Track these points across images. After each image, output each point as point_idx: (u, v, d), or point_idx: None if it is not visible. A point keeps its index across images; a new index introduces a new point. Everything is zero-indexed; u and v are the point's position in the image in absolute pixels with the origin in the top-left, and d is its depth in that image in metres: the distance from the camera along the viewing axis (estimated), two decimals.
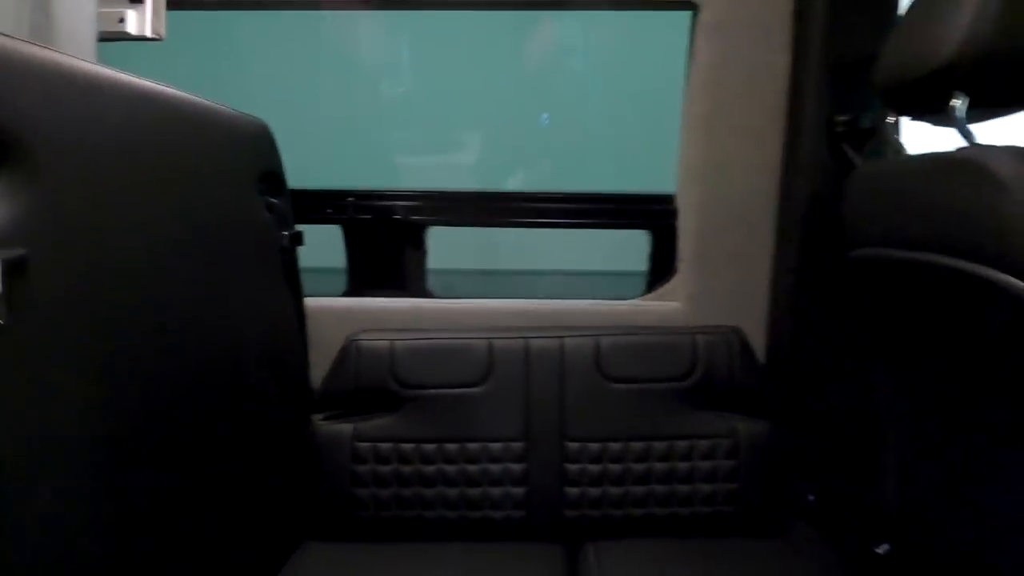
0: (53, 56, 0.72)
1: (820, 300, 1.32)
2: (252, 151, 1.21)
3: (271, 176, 1.25)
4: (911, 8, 0.97)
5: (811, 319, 1.34)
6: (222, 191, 1.06)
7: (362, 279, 1.53)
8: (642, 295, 1.50)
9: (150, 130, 0.87)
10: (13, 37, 0.66)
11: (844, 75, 1.27)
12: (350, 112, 2.52)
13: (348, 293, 1.54)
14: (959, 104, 0.84)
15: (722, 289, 1.40)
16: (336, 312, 1.43)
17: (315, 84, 2.52)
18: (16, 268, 0.63)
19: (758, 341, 1.38)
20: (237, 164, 1.13)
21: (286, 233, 1.27)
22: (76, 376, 0.71)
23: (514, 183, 2.52)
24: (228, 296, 1.06)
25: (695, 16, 1.34)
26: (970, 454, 0.92)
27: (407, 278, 1.53)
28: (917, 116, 1.01)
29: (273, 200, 1.24)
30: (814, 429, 1.34)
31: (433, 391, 1.29)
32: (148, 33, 1.28)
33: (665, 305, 1.44)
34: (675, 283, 1.45)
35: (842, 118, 1.27)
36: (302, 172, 1.35)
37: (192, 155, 0.97)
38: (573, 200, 1.53)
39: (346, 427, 1.29)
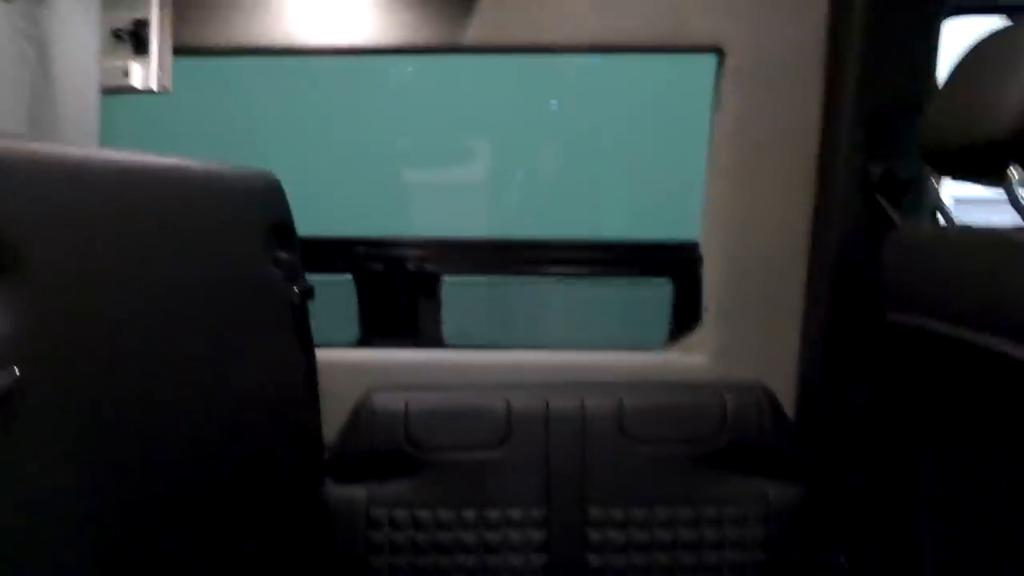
0: (41, 150, 0.68)
1: (852, 358, 1.26)
2: (259, 206, 1.17)
3: (280, 228, 1.20)
4: (961, 66, 0.91)
5: (842, 377, 1.28)
6: (228, 252, 1.03)
7: (375, 329, 1.48)
8: (664, 345, 1.44)
9: (151, 207, 0.83)
10: None
11: (879, 124, 1.21)
12: (359, 155, 2.49)
13: (360, 343, 1.49)
14: (1016, 177, 0.78)
15: (749, 342, 1.35)
16: (348, 364, 1.38)
17: (319, 125, 2.50)
18: (12, 388, 0.59)
19: (786, 397, 1.33)
20: (243, 223, 1.09)
21: (296, 288, 1.23)
22: (75, 450, 0.68)
23: (532, 228, 2.49)
24: (236, 359, 1.02)
25: (721, 61, 1.28)
26: (1010, 534, 0.87)
27: (421, 328, 1.48)
28: (963, 179, 0.96)
29: (282, 254, 1.20)
30: (847, 492, 1.28)
31: (450, 454, 1.24)
32: (153, 86, 1.23)
33: (690, 358, 1.38)
34: (700, 334, 1.39)
35: (877, 169, 1.21)
36: (310, 216, 1.31)
37: (196, 222, 0.93)
38: (592, 248, 1.48)
39: (360, 491, 1.24)
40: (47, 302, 0.64)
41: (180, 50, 1.27)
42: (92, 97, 1.14)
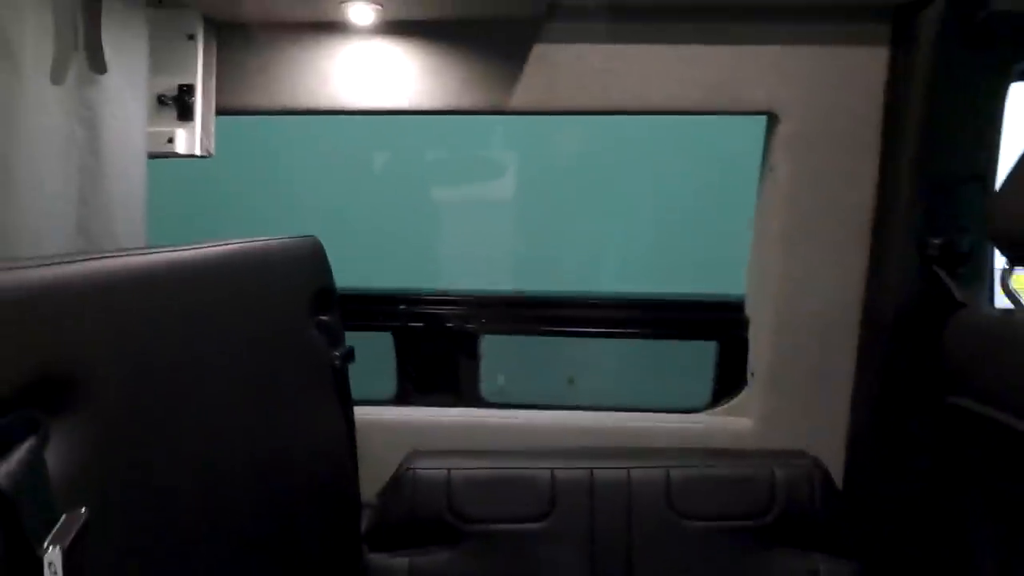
0: (93, 265, 0.66)
1: (906, 432, 1.23)
2: (304, 274, 1.16)
3: (323, 293, 1.20)
4: None
5: (895, 450, 1.24)
6: (275, 324, 1.03)
7: (414, 387, 1.47)
8: (709, 406, 1.41)
9: (205, 300, 0.82)
10: (52, 261, 0.60)
11: (939, 194, 1.17)
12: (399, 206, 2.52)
13: (399, 400, 1.47)
14: None
15: (797, 408, 1.31)
16: (386, 425, 1.37)
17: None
18: (82, 529, 0.57)
19: (834, 467, 1.29)
20: (289, 293, 1.09)
21: (337, 352, 1.22)
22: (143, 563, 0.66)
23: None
24: (279, 430, 1.01)
25: (773, 125, 1.25)
26: None
27: (461, 387, 1.46)
28: None
29: (324, 318, 1.19)
30: (900, 569, 1.25)
31: (493, 526, 1.22)
32: (197, 151, 1.23)
33: (736, 422, 1.35)
34: (746, 397, 1.36)
35: (936, 240, 1.17)
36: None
37: (246, 302, 0.93)
38: (634, 306, 1.45)
39: (401, 561, 1.23)
40: (113, 432, 0.63)
41: (222, 111, 1.27)
42: (139, 167, 1.13)
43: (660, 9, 1.18)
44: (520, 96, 1.24)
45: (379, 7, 1.14)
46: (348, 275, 1.28)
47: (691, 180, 2.34)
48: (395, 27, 1.24)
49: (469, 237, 2.61)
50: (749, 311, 1.37)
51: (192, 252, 0.82)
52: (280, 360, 1.03)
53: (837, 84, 1.20)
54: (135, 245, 1.14)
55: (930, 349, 1.18)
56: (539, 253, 2.57)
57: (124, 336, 0.67)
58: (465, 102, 1.25)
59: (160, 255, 0.77)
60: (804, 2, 1.14)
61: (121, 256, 0.71)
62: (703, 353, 1.46)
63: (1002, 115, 1.16)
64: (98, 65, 0.95)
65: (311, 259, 1.20)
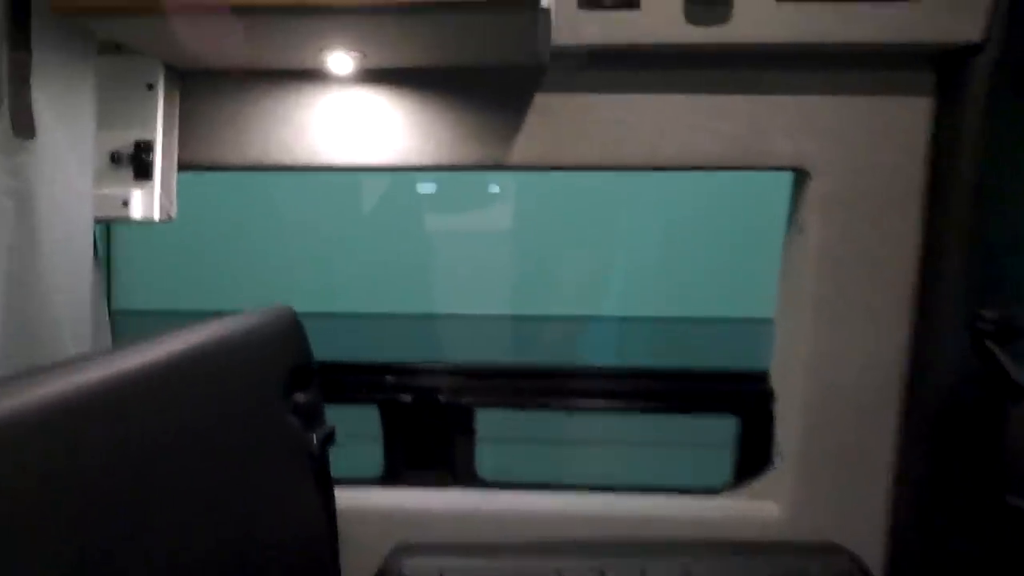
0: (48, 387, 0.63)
1: (957, 530, 1.09)
2: (277, 352, 1.03)
3: (299, 370, 1.06)
4: None
5: (943, 550, 1.10)
6: (245, 411, 0.93)
7: (402, 465, 1.32)
8: (730, 486, 1.27)
9: (166, 399, 0.77)
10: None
11: (992, 261, 1.04)
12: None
13: (385, 480, 1.33)
14: None
15: (830, 495, 1.17)
16: (373, 509, 1.22)
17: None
18: None
19: (873, 563, 1.15)
20: (260, 376, 0.98)
21: (315, 435, 1.08)
22: None
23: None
24: (248, 524, 0.91)
25: (803, 182, 1.12)
26: None
27: (455, 465, 1.32)
28: None
29: (301, 397, 1.05)
30: None
31: None
32: (156, 215, 1.09)
33: (761, 507, 1.21)
34: (772, 480, 1.22)
35: (990, 314, 1.04)
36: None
37: (214, 390, 0.86)
38: (647, 376, 1.31)
39: None
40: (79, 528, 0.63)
41: (186, 167, 1.13)
42: (85, 237, 1.00)
43: (676, 56, 1.05)
44: (520, 151, 1.11)
45: (360, 55, 1.01)
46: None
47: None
48: (379, 75, 1.10)
49: (475, 260, 2.57)
50: (775, 384, 1.24)
51: (155, 350, 0.78)
52: (251, 449, 0.93)
53: (875, 138, 1.07)
54: (82, 327, 1.01)
55: (984, 437, 1.05)
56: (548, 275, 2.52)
57: (85, 450, 0.65)
58: (459, 157, 1.11)
59: (118, 362, 0.72)
60: (837, 48, 1.01)
61: (80, 368, 0.68)
62: (720, 429, 1.33)
63: None
64: (25, 129, 0.82)
65: (285, 333, 1.06)
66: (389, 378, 1.30)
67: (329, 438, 1.11)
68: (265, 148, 1.13)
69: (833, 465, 1.17)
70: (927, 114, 1.06)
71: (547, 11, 0.84)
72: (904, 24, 0.97)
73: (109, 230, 2.63)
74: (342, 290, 2.71)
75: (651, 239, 2.61)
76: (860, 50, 1.02)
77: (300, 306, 1.07)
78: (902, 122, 1.07)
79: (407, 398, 1.30)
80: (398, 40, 0.96)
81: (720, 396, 1.30)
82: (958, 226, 1.04)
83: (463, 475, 1.32)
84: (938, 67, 1.05)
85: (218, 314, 0.95)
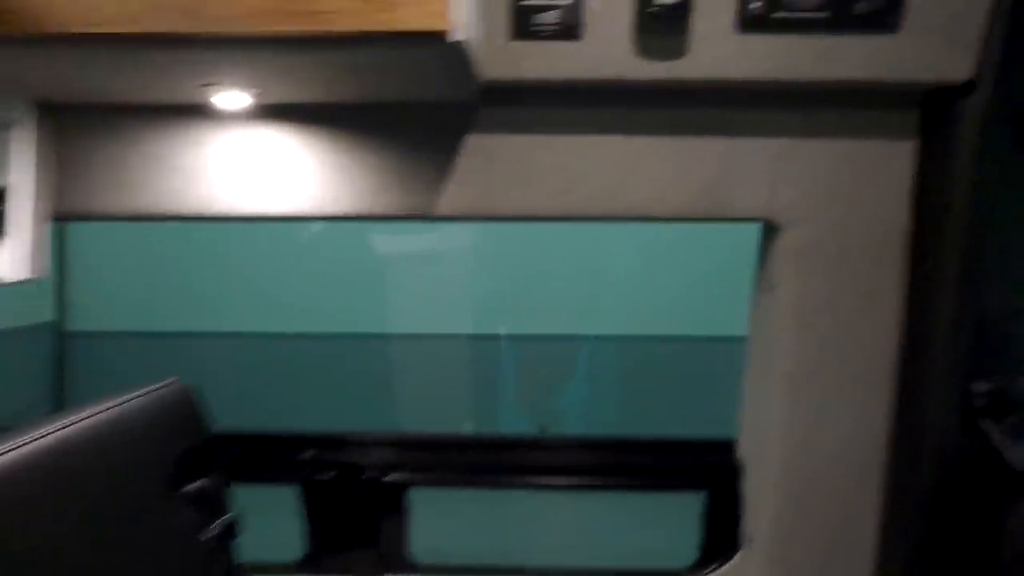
0: None
1: None
2: (169, 435, 0.90)
3: (193, 453, 0.91)
4: None
5: None
6: (129, 505, 0.81)
7: (325, 551, 1.16)
8: (695, 568, 1.13)
9: (39, 495, 0.69)
10: None
11: (985, 326, 0.92)
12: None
13: (305, 566, 1.17)
14: None
15: None
16: None
17: None
18: None
19: None
20: (148, 464, 0.85)
21: (214, 526, 0.93)
22: None
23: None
24: None
25: (773, 234, 0.99)
26: None
27: (385, 548, 1.16)
28: None
29: (196, 486, 0.90)
30: None
31: None
32: (22, 274, 0.92)
33: None
34: (742, 565, 1.09)
35: (982, 387, 0.92)
36: None
37: (92, 486, 0.76)
38: (601, 447, 1.17)
39: None
40: None
41: (61, 217, 0.97)
42: None
43: (632, 93, 0.91)
44: (452, 198, 0.96)
45: (257, 90, 0.86)
46: None
47: None
48: (284, 112, 0.95)
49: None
50: (744, 458, 1.10)
51: (26, 446, 0.69)
52: (137, 550, 0.81)
53: (855, 185, 0.94)
54: None
55: (977, 530, 0.92)
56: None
57: None
58: (381, 206, 0.97)
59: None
60: (811, 86, 0.88)
61: None
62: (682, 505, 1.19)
63: None
64: None
65: (177, 413, 0.92)
66: (311, 452, 1.14)
67: (231, 529, 0.96)
68: (154, 195, 0.97)
69: (808, 555, 1.03)
70: (912, 159, 0.94)
71: (460, 45, 0.70)
72: (886, 60, 0.85)
73: (62, 246, 2.48)
74: (301, 310, 2.59)
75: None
76: (837, 88, 0.90)
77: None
78: (884, 168, 0.94)
79: (331, 475, 1.14)
80: (298, 74, 0.82)
81: (685, 470, 1.16)
82: (948, 288, 0.92)
83: (394, 559, 1.16)
84: (924, 107, 0.92)
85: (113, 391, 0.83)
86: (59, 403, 2.58)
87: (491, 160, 0.95)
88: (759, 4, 0.81)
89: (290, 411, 2.37)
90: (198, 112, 0.94)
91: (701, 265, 2.44)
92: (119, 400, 0.84)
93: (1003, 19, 0.83)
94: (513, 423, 2.71)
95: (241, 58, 0.76)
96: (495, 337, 2.65)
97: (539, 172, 0.95)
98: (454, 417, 2.66)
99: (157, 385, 0.90)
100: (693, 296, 2.49)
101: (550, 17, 0.83)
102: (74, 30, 0.68)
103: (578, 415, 2.74)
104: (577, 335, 2.65)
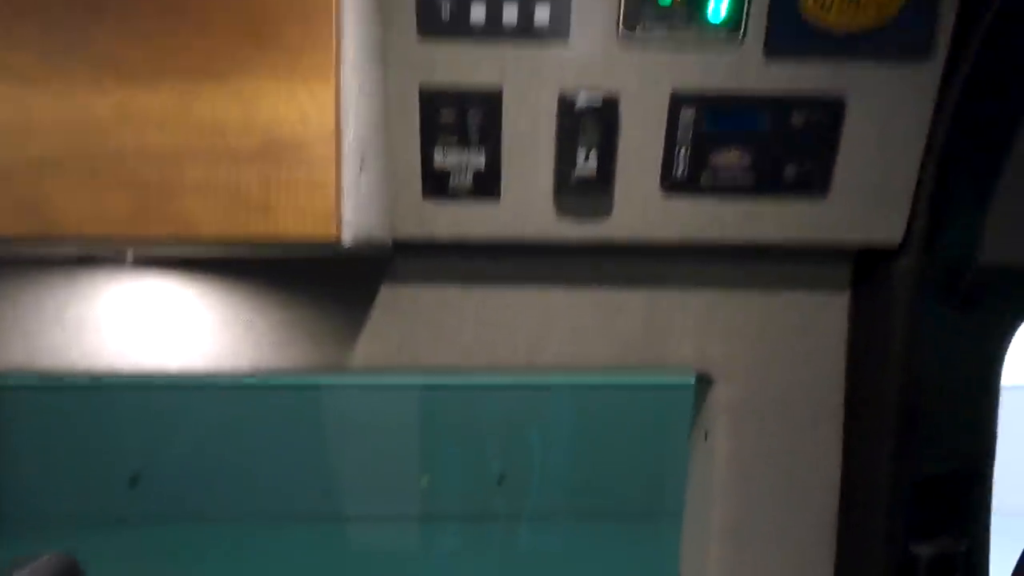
0: None
1: None
2: None
3: None
4: None
5: None
6: None
7: None
8: None
9: None
10: None
11: (924, 485, 0.88)
12: None
13: None
14: None
15: None
16: None
17: None
18: None
19: None
20: None
21: None
22: None
23: None
24: None
25: (705, 387, 0.94)
26: None
27: None
28: None
29: None
30: None
31: None
32: None
33: None
34: None
35: (925, 551, 0.88)
36: None
37: None
38: None
39: None
40: None
41: None
42: None
43: (554, 246, 0.86)
44: (363, 353, 0.88)
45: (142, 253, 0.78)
46: None
47: None
48: (177, 264, 0.87)
49: None
50: None
51: None
52: None
53: (787, 339, 0.91)
54: None
55: None
56: None
57: None
58: (286, 360, 0.88)
59: None
60: (738, 242, 0.85)
61: None
62: None
63: (998, 388, 0.89)
64: None
65: None
66: None
67: None
68: (29, 351, 0.87)
69: None
70: (846, 313, 0.91)
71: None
72: (815, 223, 0.82)
73: None
74: None
75: None
76: (767, 242, 0.86)
77: None
78: (818, 322, 0.90)
79: None
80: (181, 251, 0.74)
81: None
82: (884, 446, 0.88)
83: None
84: (856, 261, 0.90)
85: None
86: None
87: (405, 313, 0.88)
88: (684, 168, 0.78)
89: None
90: (79, 262, 0.85)
91: None
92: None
93: (930, 183, 0.81)
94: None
95: (113, 248, 0.68)
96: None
97: (457, 325, 0.89)
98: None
99: (45, 560, 0.79)
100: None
101: (465, 178, 0.77)
102: None
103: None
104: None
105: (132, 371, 0.88)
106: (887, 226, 0.82)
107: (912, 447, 0.87)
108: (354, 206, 0.61)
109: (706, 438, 0.95)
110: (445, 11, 0.71)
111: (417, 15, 0.71)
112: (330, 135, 0.57)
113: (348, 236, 0.60)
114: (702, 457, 0.97)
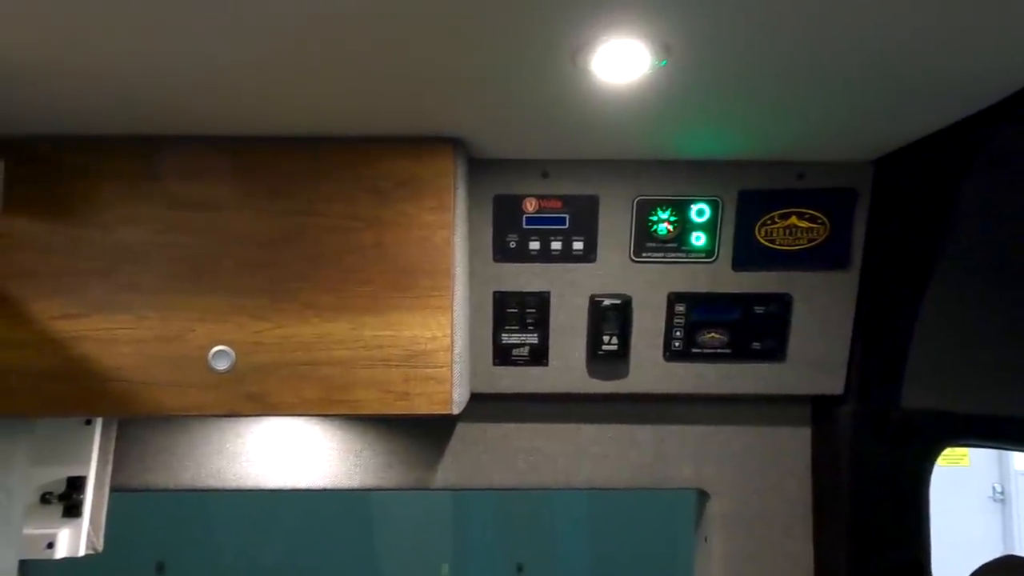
0: None
1: None
2: None
3: None
4: None
5: None
6: None
7: None
8: None
9: None
10: None
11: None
12: None
13: None
14: None
15: None
16: None
17: None
18: None
19: None
20: None
21: None
22: None
23: None
24: None
25: (704, 501, 1.22)
26: None
27: None
28: None
29: None
30: None
31: None
32: (81, 552, 1.10)
33: None
34: None
35: None
36: None
37: None
38: None
39: None
40: None
41: (117, 490, 1.16)
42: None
43: (586, 397, 1.17)
44: (444, 474, 1.18)
45: None
46: None
47: None
48: None
49: None
50: None
51: None
52: None
53: (764, 464, 1.19)
54: None
55: None
56: None
57: None
58: (387, 481, 1.18)
59: None
60: (722, 394, 1.14)
61: None
62: None
63: (927, 503, 1.16)
64: None
65: None
66: None
67: None
68: (197, 474, 1.17)
69: None
70: (808, 442, 1.19)
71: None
72: (776, 381, 1.12)
73: None
74: None
75: None
76: (743, 390, 1.16)
77: None
78: (786, 451, 1.19)
79: None
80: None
81: None
82: (844, 549, 1.14)
83: None
84: (814, 404, 1.19)
85: None
86: None
87: (475, 445, 1.18)
88: (679, 344, 1.09)
89: None
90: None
91: None
92: None
93: (858, 352, 1.11)
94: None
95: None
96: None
97: (513, 453, 1.19)
98: None
99: None
100: None
101: (523, 352, 1.09)
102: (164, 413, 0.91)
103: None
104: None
105: (273, 488, 1.18)
106: (831, 382, 1.12)
107: (864, 547, 1.13)
108: (459, 391, 0.92)
109: (706, 541, 1.22)
110: (512, 244, 1.05)
111: (493, 248, 1.05)
112: (448, 348, 0.89)
113: (456, 410, 0.91)
114: (704, 557, 1.23)
